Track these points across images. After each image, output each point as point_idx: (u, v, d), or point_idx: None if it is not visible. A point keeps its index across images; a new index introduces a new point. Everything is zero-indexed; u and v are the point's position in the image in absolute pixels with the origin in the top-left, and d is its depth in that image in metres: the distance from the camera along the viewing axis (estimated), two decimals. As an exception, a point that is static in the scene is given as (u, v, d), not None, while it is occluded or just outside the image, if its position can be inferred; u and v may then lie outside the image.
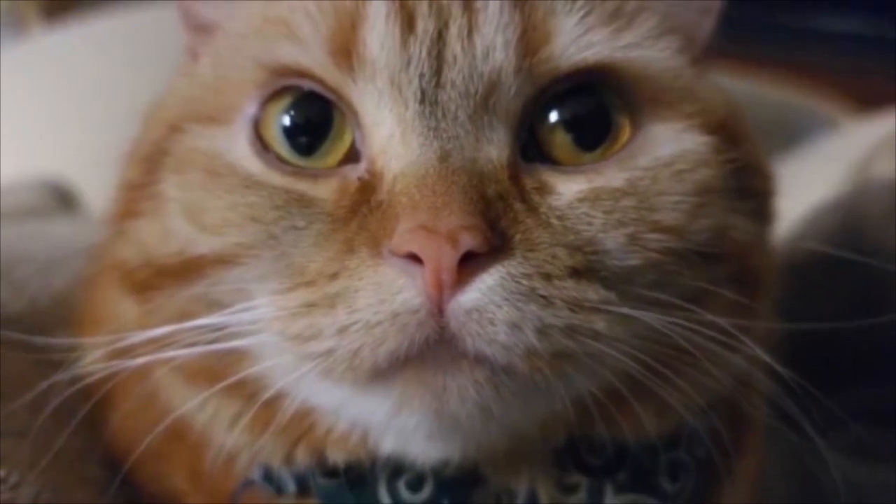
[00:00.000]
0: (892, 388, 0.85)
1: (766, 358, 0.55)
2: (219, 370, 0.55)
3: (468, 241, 0.47)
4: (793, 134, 2.16)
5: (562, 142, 0.54)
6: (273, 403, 0.56)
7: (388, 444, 0.56)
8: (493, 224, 0.49)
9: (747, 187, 0.57)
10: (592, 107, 0.54)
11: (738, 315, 0.55)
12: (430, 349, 0.48)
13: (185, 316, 0.55)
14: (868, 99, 2.27)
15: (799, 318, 0.62)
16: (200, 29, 0.63)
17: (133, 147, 0.64)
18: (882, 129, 1.60)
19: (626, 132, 0.54)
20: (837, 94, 2.55)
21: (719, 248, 0.54)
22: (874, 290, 0.82)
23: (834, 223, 0.92)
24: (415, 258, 0.47)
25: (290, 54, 0.54)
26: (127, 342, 0.57)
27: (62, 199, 1.41)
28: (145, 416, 0.61)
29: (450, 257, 0.47)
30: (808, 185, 1.59)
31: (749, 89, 2.46)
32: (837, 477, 0.60)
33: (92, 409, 0.63)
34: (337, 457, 0.57)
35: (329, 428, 0.56)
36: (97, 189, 1.60)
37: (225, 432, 0.59)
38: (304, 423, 0.57)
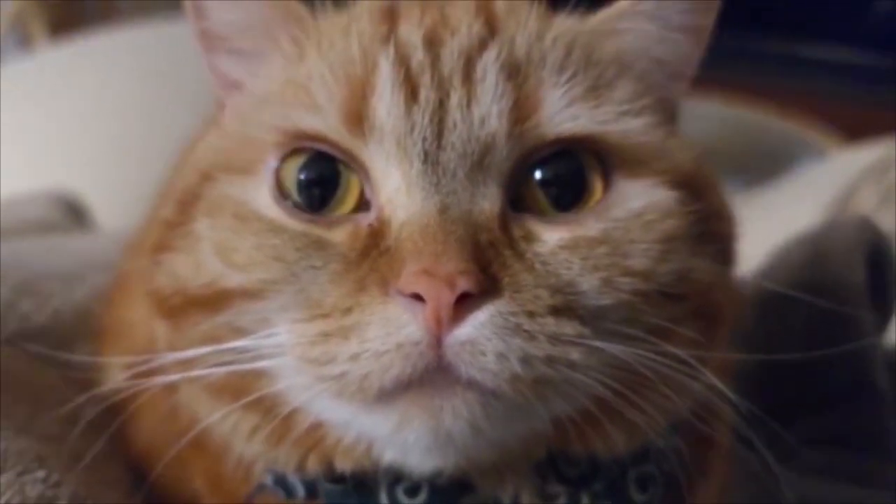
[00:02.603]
0: (853, 411, 0.91)
1: (721, 387, 0.62)
2: (241, 388, 0.62)
3: (464, 284, 0.54)
4: (781, 161, 2.19)
5: (542, 199, 0.61)
6: (289, 419, 0.62)
7: (389, 456, 0.62)
8: (485, 268, 0.56)
9: (711, 232, 0.64)
10: (571, 169, 0.61)
11: (699, 347, 0.62)
12: (429, 375, 0.55)
13: (212, 340, 0.62)
14: (855, 127, 2.28)
15: (765, 350, 0.69)
16: (227, 84, 0.70)
17: (167, 185, 0.71)
18: (868, 157, 1.62)
19: (598, 191, 0.61)
20: (825, 123, 2.56)
21: (682, 289, 0.61)
22: (833, 325, 0.88)
23: (801, 258, 0.98)
24: (418, 297, 0.54)
25: (307, 121, 0.61)
26: (159, 362, 0.64)
27: (71, 211, 1.46)
28: (170, 427, 0.68)
29: (448, 297, 0.54)
30: (794, 212, 1.62)
31: (738, 117, 2.51)
32: (790, 495, 0.67)
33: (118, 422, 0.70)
34: (344, 465, 0.64)
35: (338, 440, 0.63)
36: (103, 200, 1.64)
37: (244, 443, 0.65)
38: (315, 436, 0.63)
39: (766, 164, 2.15)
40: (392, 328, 0.55)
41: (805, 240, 1.01)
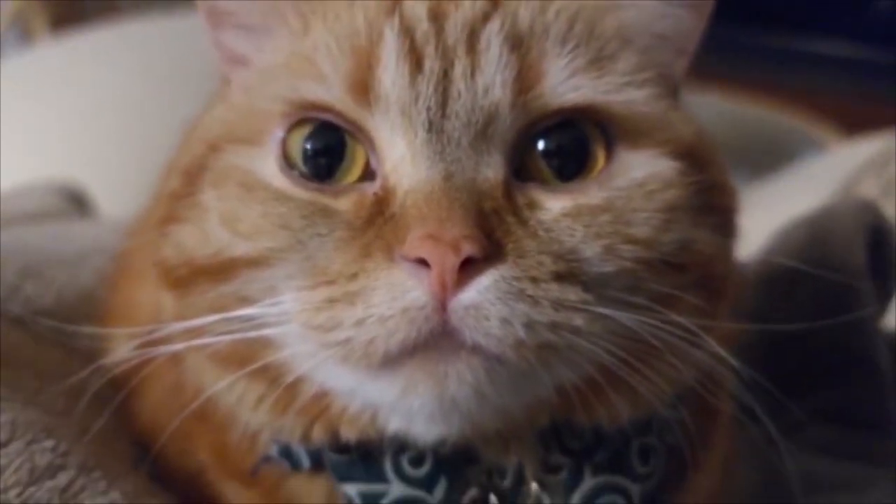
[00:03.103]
0: (854, 389, 0.92)
1: (725, 354, 0.62)
2: (247, 356, 0.63)
3: (468, 249, 0.55)
4: (780, 155, 2.19)
5: (545, 169, 0.62)
6: (294, 387, 0.63)
7: (394, 424, 0.63)
8: (489, 234, 0.57)
9: (712, 205, 0.65)
10: (574, 139, 0.62)
11: (701, 316, 0.62)
12: (434, 340, 0.56)
13: (218, 309, 0.62)
14: (855, 122, 2.28)
15: (768, 330, 0.69)
16: (233, 60, 0.70)
17: (173, 161, 0.72)
18: (868, 151, 1.63)
19: (600, 161, 0.62)
20: (825, 117, 2.56)
21: (685, 259, 0.62)
22: (834, 300, 0.89)
23: (801, 239, 0.98)
24: (423, 262, 0.55)
25: (313, 91, 0.62)
26: (165, 332, 0.65)
27: (74, 201, 1.47)
28: (175, 401, 0.69)
29: (452, 262, 0.55)
30: (793, 205, 1.62)
31: (738, 111, 2.51)
32: (791, 467, 0.67)
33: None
34: (349, 435, 0.65)
35: (343, 409, 0.64)
36: (105, 192, 1.64)
37: (249, 412, 0.66)
38: (321, 405, 0.64)
39: (765, 159, 2.15)
40: (397, 293, 0.56)
41: (805, 222, 1.02)
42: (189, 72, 0.92)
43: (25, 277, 0.89)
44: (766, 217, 1.35)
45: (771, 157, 2.18)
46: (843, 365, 0.91)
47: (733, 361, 0.63)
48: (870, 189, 1.48)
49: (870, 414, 0.91)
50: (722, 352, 0.62)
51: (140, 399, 0.75)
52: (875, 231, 0.97)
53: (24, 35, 2.96)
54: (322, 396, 0.64)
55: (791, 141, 2.42)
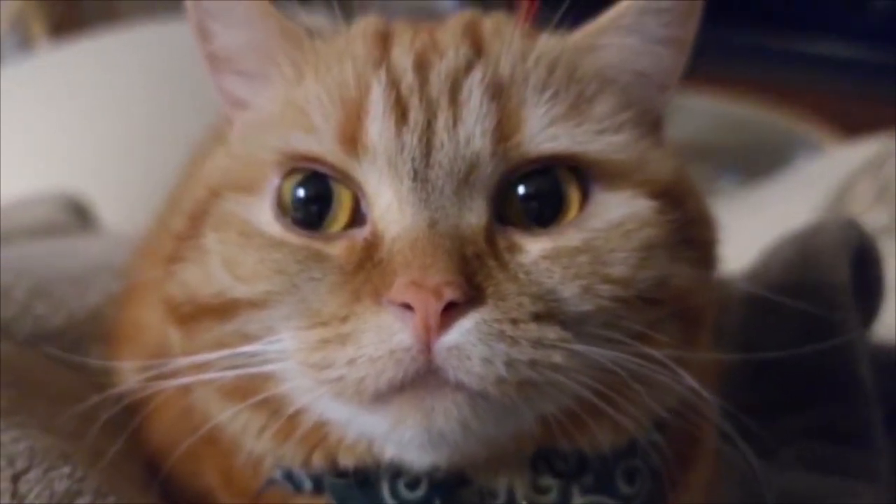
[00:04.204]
0: (838, 406, 0.94)
1: (697, 387, 0.65)
2: (250, 389, 0.66)
3: (450, 294, 0.58)
4: (777, 156, 2.19)
5: (524, 213, 0.65)
6: (295, 418, 0.67)
7: (389, 452, 0.66)
8: (471, 279, 0.60)
9: (691, 239, 0.68)
10: (550, 184, 0.65)
11: (679, 347, 0.65)
12: (421, 378, 0.59)
13: (222, 345, 0.66)
14: (851, 123, 2.27)
15: (752, 349, 0.72)
16: (234, 103, 0.74)
17: (176, 197, 0.76)
18: (865, 152, 1.63)
19: (576, 204, 0.65)
20: (821, 118, 2.55)
21: (661, 294, 0.65)
22: (820, 321, 0.91)
23: (788, 258, 1.00)
24: (408, 307, 0.58)
25: (304, 143, 0.65)
26: (172, 366, 0.69)
27: (77, 212, 1.48)
28: (184, 426, 0.73)
29: (435, 307, 0.58)
30: (790, 207, 1.63)
31: (733, 112, 2.52)
32: (766, 489, 0.70)
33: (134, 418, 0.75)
34: (347, 461, 0.68)
35: (340, 438, 0.67)
36: (106, 198, 1.65)
37: (253, 440, 0.70)
38: (319, 434, 0.68)
39: (762, 160, 2.15)
40: (385, 335, 0.59)
41: (793, 240, 1.04)
42: (189, 77, 0.93)
43: (35, 297, 0.92)
44: (761, 221, 1.36)
45: (767, 159, 2.18)
46: (827, 384, 0.93)
47: (705, 393, 0.66)
48: (866, 191, 1.49)
49: (854, 429, 0.93)
50: (695, 385, 0.65)
51: (151, 423, 0.78)
52: (859, 248, 0.99)
53: (24, 40, 2.96)
54: (321, 427, 0.67)
55: (787, 142, 2.42)
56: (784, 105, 2.64)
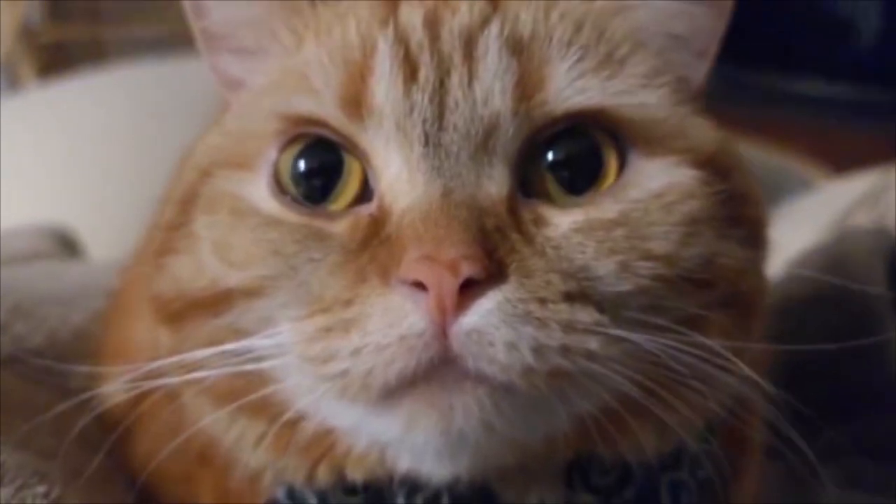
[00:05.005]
0: (880, 420, 0.89)
1: (758, 379, 0.58)
2: (244, 392, 0.59)
3: (467, 269, 0.51)
4: (770, 194, 2.19)
5: (554, 183, 0.58)
6: (294, 423, 0.59)
7: (403, 463, 0.59)
8: (491, 253, 0.53)
9: (738, 216, 0.61)
10: (584, 148, 0.58)
11: (732, 338, 0.58)
12: (436, 369, 0.52)
13: (214, 343, 0.59)
14: (838, 159, 2.27)
15: (795, 351, 0.66)
16: (230, 84, 0.68)
17: (168, 191, 0.69)
18: (859, 186, 1.62)
19: (613, 171, 0.58)
20: (809, 155, 2.58)
21: (710, 275, 0.57)
22: (856, 327, 0.86)
23: (819, 264, 0.96)
24: (420, 286, 0.51)
25: (305, 105, 0.59)
26: (157, 365, 0.61)
27: (65, 244, 1.44)
28: (172, 441, 0.64)
29: (451, 284, 0.51)
30: (789, 241, 1.62)
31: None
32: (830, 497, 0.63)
33: (107, 427, 0.68)
34: (356, 475, 0.61)
35: (348, 447, 0.60)
36: (95, 235, 1.62)
37: (250, 452, 0.62)
38: (324, 443, 0.60)
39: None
40: (394, 319, 0.52)
41: (821, 248, 0.99)
42: (178, 116, 0.90)
43: (15, 316, 0.87)
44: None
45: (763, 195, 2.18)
46: (867, 395, 0.88)
47: (768, 386, 0.58)
48: (863, 223, 1.48)
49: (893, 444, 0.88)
50: (756, 376, 0.58)
51: (136, 441, 0.71)
52: (893, 256, 0.94)
53: (13, 81, 2.99)
54: (325, 434, 0.60)
55: (778, 180, 2.43)
56: (770, 142, 2.65)
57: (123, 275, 0.88)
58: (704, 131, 0.62)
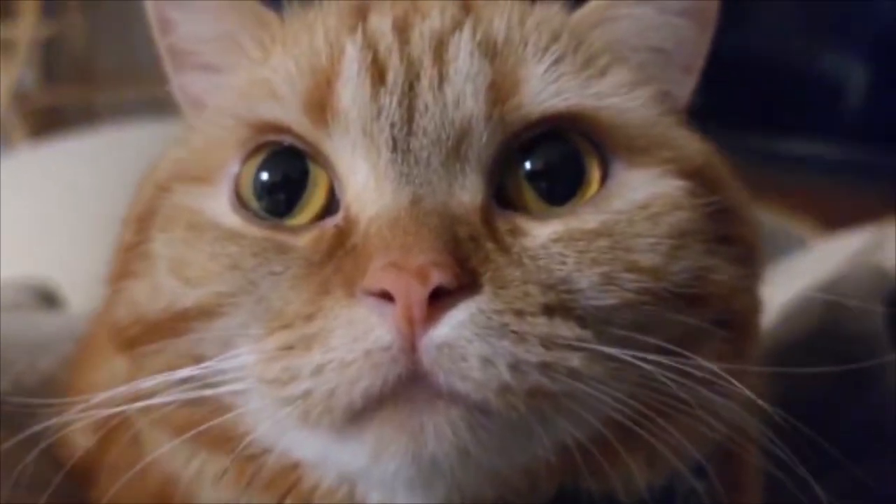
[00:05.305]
0: (879, 465, 0.85)
1: (758, 400, 0.54)
2: (202, 422, 0.55)
3: (437, 277, 0.47)
4: (766, 253, 2.19)
5: (532, 194, 0.55)
6: (257, 457, 0.55)
7: (374, 498, 0.54)
8: (463, 262, 0.49)
9: (729, 233, 0.58)
10: (563, 155, 0.55)
11: (725, 360, 0.54)
12: (405, 387, 0.48)
13: (172, 370, 0.55)
14: (827, 219, 2.25)
15: (788, 401, 0.62)
16: (195, 104, 0.65)
17: (127, 211, 0.65)
18: (855, 243, 1.62)
19: (595, 180, 0.55)
20: (802, 214, 2.60)
21: (700, 290, 0.54)
22: (856, 372, 0.83)
23: (814, 310, 0.93)
24: (387, 296, 0.47)
25: (269, 111, 0.56)
26: (111, 394, 0.57)
27: (45, 299, 1.41)
28: (136, 484, 0.60)
29: (419, 293, 0.47)
30: (778, 303, 1.60)
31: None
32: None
33: (75, 479, 0.64)
34: None
35: (315, 482, 0.55)
36: (84, 292, 1.59)
37: (210, 489, 0.58)
38: (289, 478, 0.56)
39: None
40: (358, 332, 0.48)
41: (819, 292, 0.96)
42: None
43: None
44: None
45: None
46: (867, 439, 0.84)
47: (767, 407, 0.54)
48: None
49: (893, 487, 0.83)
50: (755, 397, 0.54)
51: (101, 488, 0.65)
52: (891, 297, 0.92)
53: (6, 146, 3.01)
54: (290, 469, 0.55)
55: (776, 239, 2.44)
56: (762, 202, 2.67)
57: (93, 318, 0.84)
58: (691, 142, 0.60)
